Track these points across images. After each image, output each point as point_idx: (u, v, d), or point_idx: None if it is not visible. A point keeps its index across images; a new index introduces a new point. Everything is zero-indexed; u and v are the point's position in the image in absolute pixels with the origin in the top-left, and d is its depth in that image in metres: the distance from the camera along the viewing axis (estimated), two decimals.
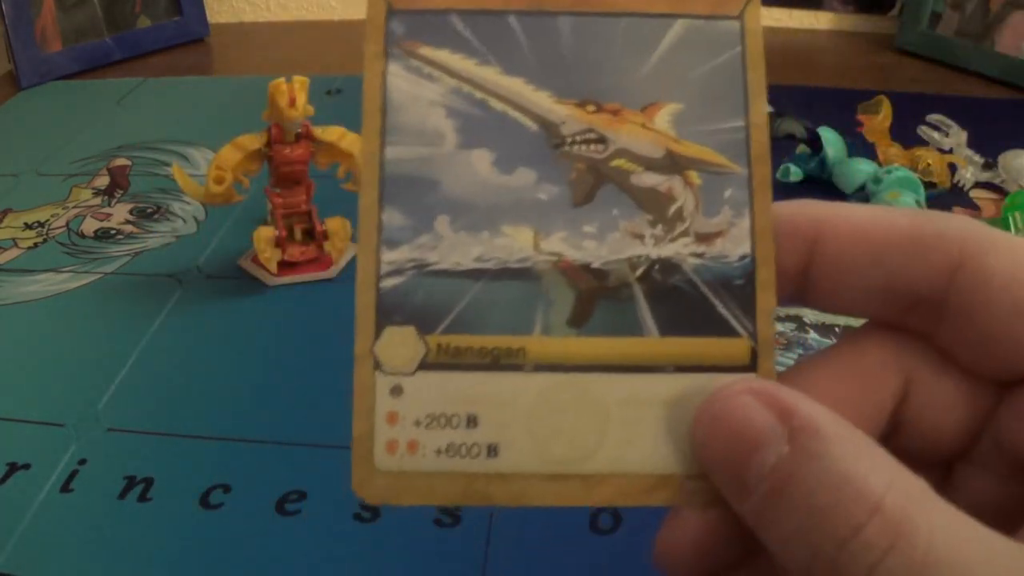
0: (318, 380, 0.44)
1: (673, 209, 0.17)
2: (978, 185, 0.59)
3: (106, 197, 0.62)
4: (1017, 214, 0.50)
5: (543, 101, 0.17)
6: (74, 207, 0.61)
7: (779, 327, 0.46)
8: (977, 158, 0.59)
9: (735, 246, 0.17)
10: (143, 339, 0.48)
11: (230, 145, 0.49)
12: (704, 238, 0.17)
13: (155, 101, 0.78)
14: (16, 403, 0.44)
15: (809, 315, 0.47)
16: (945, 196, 0.57)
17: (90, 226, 0.59)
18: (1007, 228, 0.50)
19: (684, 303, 0.16)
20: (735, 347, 0.17)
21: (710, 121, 0.17)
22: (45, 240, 0.57)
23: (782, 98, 0.72)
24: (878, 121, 0.60)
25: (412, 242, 0.16)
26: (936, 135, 0.61)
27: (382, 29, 0.17)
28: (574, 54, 0.17)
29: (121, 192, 0.63)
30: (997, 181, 0.59)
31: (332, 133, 0.51)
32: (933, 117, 0.61)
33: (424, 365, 0.16)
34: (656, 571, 0.29)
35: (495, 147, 0.17)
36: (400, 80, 0.17)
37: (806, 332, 0.45)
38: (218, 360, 0.46)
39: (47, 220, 0.60)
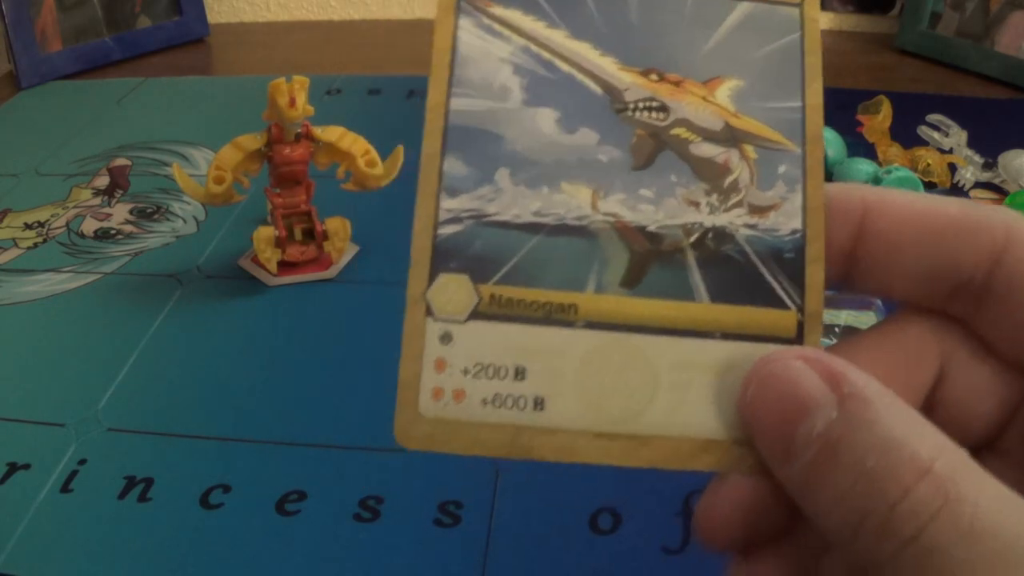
0: (318, 380, 0.44)
1: (729, 180, 0.17)
2: (978, 185, 0.59)
3: (106, 197, 0.62)
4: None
5: (608, 66, 0.17)
6: (74, 207, 0.61)
7: None
8: (977, 158, 0.59)
9: (787, 220, 0.17)
10: (143, 339, 0.48)
11: (230, 145, 0.49)
12: (758, 210, 0.17)
13: (155, 101, 0.78)
14: (16, 403, 0.44)
15: None
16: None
17: (90, 226, 0.59)
18: None
19: (735, 272, 0.17)
20: (783, 319, 0.17)
21: (769, 99, 0.18)
22: (45, 240, 0.57)
23: None
24: (878, 121, 0.60)
25: (472, 192, 0.17)
26: (936, 135, 0.61)
27: None
28: (641, 24, 0.17)
29: (121, 192, 0.63)
30: (997, 181, 0.59)
31: (332, 133, 0.51)
32: (933, 117, 0.61)
33: (476, 314, 0.16)
34: (657, 571, 0.29)
35: (559, 107, 0.17)
36: (470, 35, 0.17)
37: None
38: (218, 360, 0.46)
39: (47, 220, 0.60)
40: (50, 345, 0.48)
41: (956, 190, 0.58)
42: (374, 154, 0.51)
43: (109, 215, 0.60)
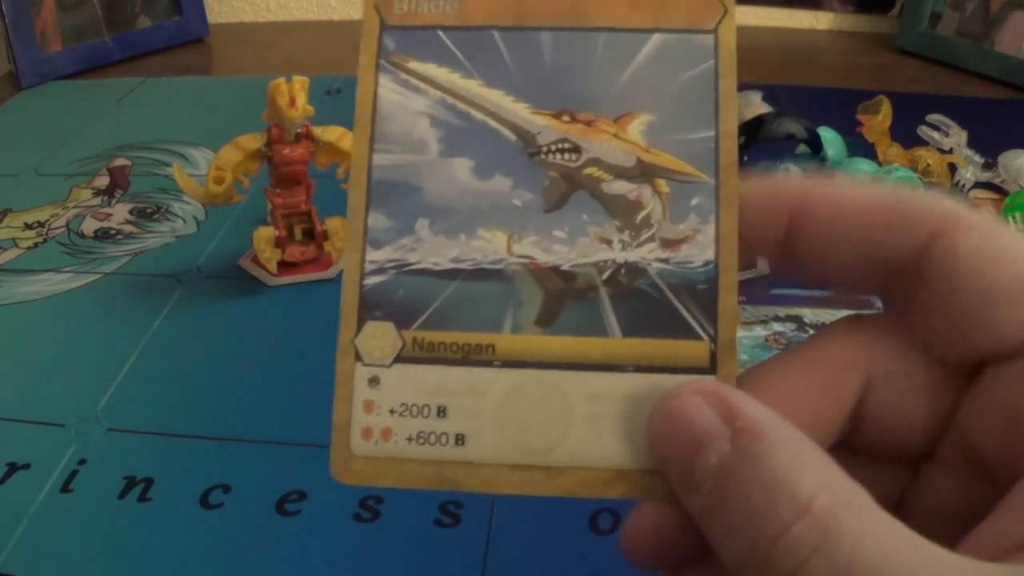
0: (318, 380, 0.44)
1: (641, 216, 0.17)
2: (978, 185, 0.59)
3: (106, 197, 0.62)
4: (1017, 214, 0.50)
5: (521, 112, 0.18)
6: (74, 207, 0.61)
7: (779, 327, 0.46)
8: (977, 158, 0.59)
9: (700, 252, 0.17)
10: (143, 339, 0.48)
11: (230, 145, 0.49)
12: (670, 244, 0.17)
13: (155, 101, 0.78)
14: (16, 403, 0.44)
15: (808, 315, 0.47)
16: None
17: (90, 226, 0.59)
18: None
19: (648, 306, 0.17)
20: (695, 349, 0.17)
21: (681, 131, 0.18)
22: (45, 240, 0.57)
23: (782, 98, 0.72)
24: (878, 121, 0.60)
25: (394, 243, 0.17)
26: (936, 135, 0.61)
27: (376, 43, 0.18)
28: (553, 67, 0.18)
29: (121, 192, 0.63)
30: (997, 181, 0.59)
31: (332, 133, 0.51)
32: (933, 117, 0.61)
33: (400, 358, 0.17)
34: (656, 571, 0.29)
35: (475, 155, 0.18)
36: (389, 92, 0.18)
37: (805, 332, 0.45)
38: (218, 360, 0.46)
39: (47, 220, 0.60)
40: (50, 345, 0.48)
41: (956, 190, 0.58)
42: None
43: (109, 215, 0.60)
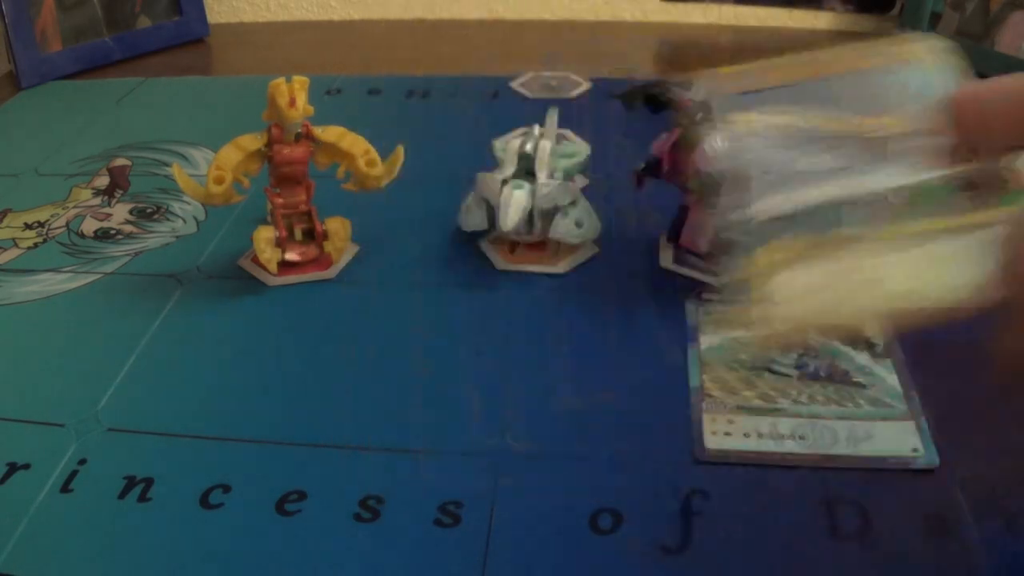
0: (318, 380, 0.44)
1: (944, 154, 0.26)
2: None
3: (106, 197, 0.62)
4: None
5: (832, 121, 0.27)
6: (74, 207, 0.61)
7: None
8: None
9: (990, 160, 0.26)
10: (143, 339, 0.48)
11: (230, 145, 0.49)
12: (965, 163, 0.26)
13: (155, 101, 0.78)
14: (16, 403, 0.44)
15: None
16: None
17: (90, 226, 0.59)
18: None
19: (971, 190, 0.25)
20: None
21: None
22: (45, 240, 0.57)
23: None
24: None
25: (765, 201, 0.26)
26: None
27: (717, 97, 0.28)
28: (832, 94, 0.27)
29: (121, 192, 0.63)
30: None
31: (332, 133, 0.51)
32: None
33: (800, 259, 0.25)
34: (657, 571, 0.29)
35: (806, 146, 0.26)
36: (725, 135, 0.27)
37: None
38: (218, 360, 0.46)
39: (47, 220, 0.60)
40: (50, 345, 0.48)
41: None
42: (374, 154, 0.51)
43: (109, 215, 0.60)
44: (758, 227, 0.26)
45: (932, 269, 0.25)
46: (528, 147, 0.52)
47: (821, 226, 0.25)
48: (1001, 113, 0.24)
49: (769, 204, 0.26)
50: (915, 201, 0.25)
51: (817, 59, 0.27)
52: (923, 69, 0.27)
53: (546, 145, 0.51)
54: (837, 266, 0.25)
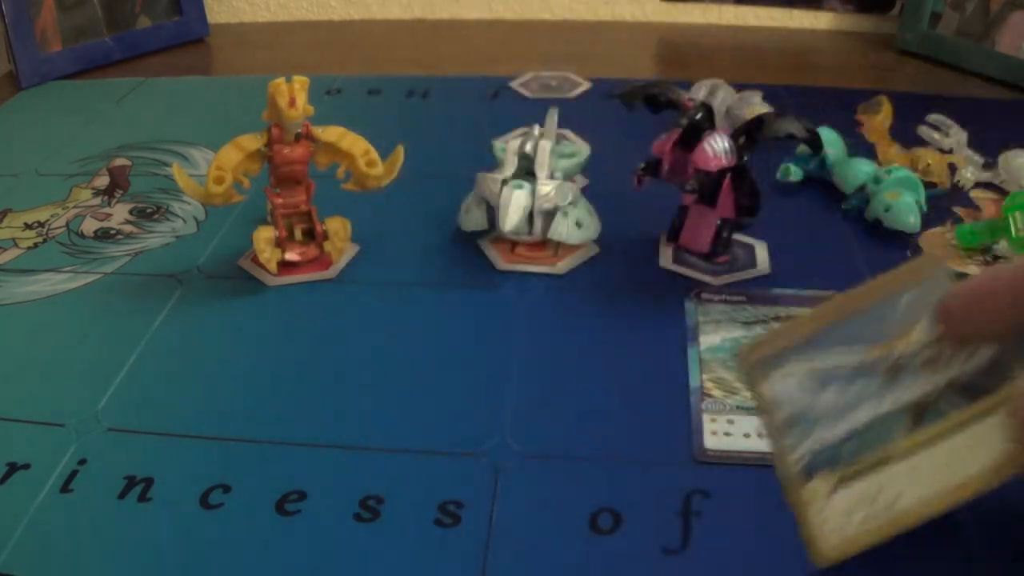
0: (318, 380, 0.44)
1: (943, 360, 0.29)
2: (978, 185, 0.59)
3: (106, 197, 0.62)
4: (1017, 214, 0.50)
5: (853, 357, 0.31)
6: (74, 207, 0.61)
7: (778, 327, 0.46)
8: (977, 158, 0.59)
9: (983, 357, 0.29)
10: (143, 339, 0.48)
11: (230, 145, 0.49)
12: (965, 360, 0.29)
13: (155, 101, 0.78)
14: (16, 403, 0.44)
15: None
16: (945, 196, 0.57)
17: (90, 226, 0.59)
18: (1007, 228, 0.50)
19: (969, 390, 0.29)
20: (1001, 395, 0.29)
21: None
22: (45, 240, 0.57)
23: (782, 98, 0.72)
24: (878, 121, 0.60)
25: (805, 443, 0.30)
26: (936, 135, 0.60)
27: (753, 374, 0.32)
28: (860, 330, 0.31)
29: (121, 192, 0.63)
30: (997, 181, 0.59)
31: (332, 133, 0.51)
32: (933, 117, 0.61)
33: (835, 489, 0.29)
34: (657, 571, 0.29)
35: (835, 385, 0.30)
36: (772, 388, 0.32)
37: None
38: (218, 360, 0.46)
39: (47, 220, 0.60)
40: (50, 345, 0.48)
41: (956, 190, 0.58)
42: (374, 154, 0.51)
43: (109, 215, 0.60)
44: (808, 459, 0.30)
45: (952, 466, 0.28)
46: (528, 147, 0.52)
47: (854, 451, 0.30)
48: (987, 306, 0.28)
49: (814, 438, 0.30)
50: (928, 409, 0.29)
51: (836, 304, 0.32)
52: (926, 287, 0.31)
53: (546, 145, 0.51)
54: (870, 486, 0.29)
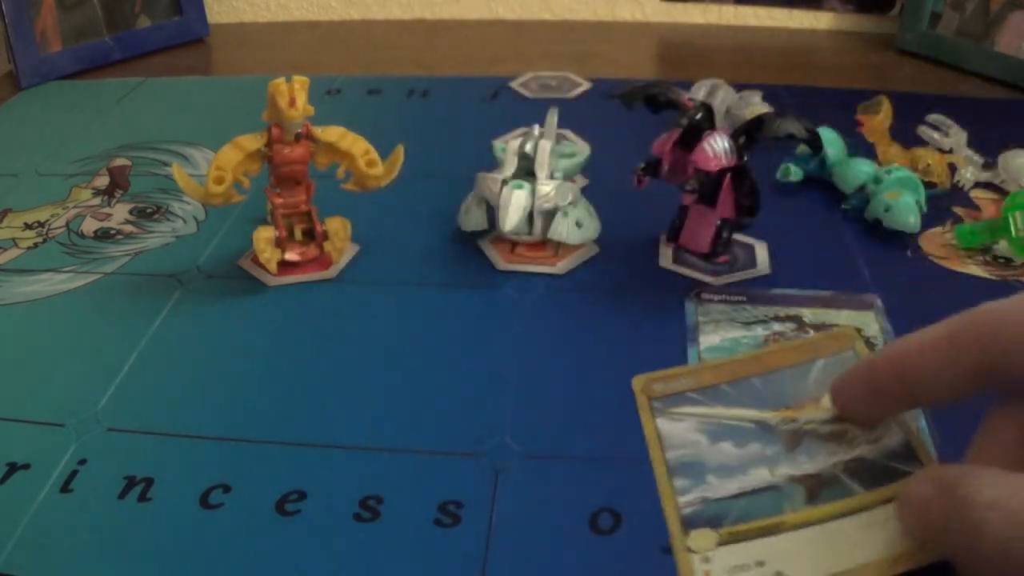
0: (318, 380, 0.44)
1: (849, 435, 0.28)
2: (978, 185, 0.59)
3: (106, 197, 0.62)
4: (1017, 214, 0.50)
5: (755, 414, 0.30)
6: (74, 207, 0.61)
7: (779, 327, 0.46)
8: (977, 158, 0.59)
9: (892, 437, 0.28)
10: (143, 339, 0.48)
11: (230, 145, 0.49)
12: (872, 439, 0.28)
13: (155, 101, 0.78)
14: (16, 403, 0.44)
15: (808, 315, 0.47)
16: (945, 196, 0.57)
17: (90, 226, 0.59)
18: (1007, 228, 0.50)
19: (872, 471, 0.28)
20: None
21: None
22: (45, 240, 0.57)
23: (782, 98, 0.72)
24: (878, 121, 0.60)
25: (695, 490, 0.28)
26: (936, 135, 0.60)
27: (648, 406, 0.30)
28: (766, 390, 0.30)
29: (121, 192, 0.63)
30: (997, 181, 0.59)
31: (332, 133, 0.51)
32: (933, 117, 0.61)
33: (719, 544, 0.27)
34: (657, 571, 0.29)
35: (733, 438, 0.29)
36: (666, 425, 0.30)
37: (805, 331, 0.45)
38: (218, 360, 0.46)
39: (47, 220, 0.60)
40: (50, 345, 0.48)
41: (956, 190, 0.58)
42: (374, 154, 0.51)
43: (109, 215, 0.60)
44: (697, 507, 0.28)
45: (843, 549, 0.27)
46: (528, 147, 0.52)
47: (745, 512, 0.28)
48: (872, 387, 0.27)
49: (705, 487, 0.29)
50: (826, 484, 0.28)
51: (746, 360, 0.31)
52: (840, 359, 0.31)
53: (546, 145, 0.51)
54: (757, 551, 0.27)
